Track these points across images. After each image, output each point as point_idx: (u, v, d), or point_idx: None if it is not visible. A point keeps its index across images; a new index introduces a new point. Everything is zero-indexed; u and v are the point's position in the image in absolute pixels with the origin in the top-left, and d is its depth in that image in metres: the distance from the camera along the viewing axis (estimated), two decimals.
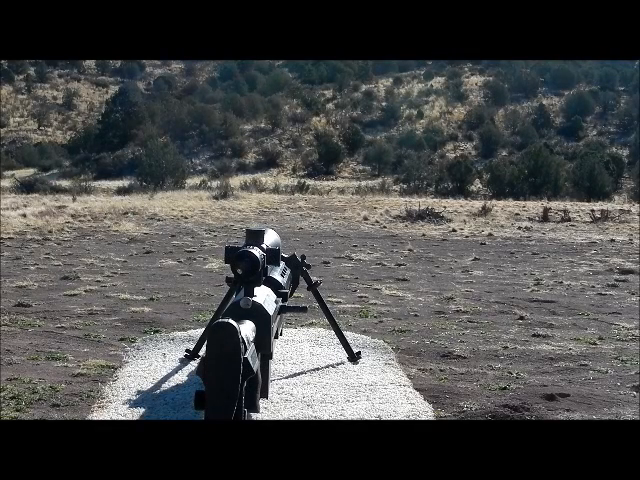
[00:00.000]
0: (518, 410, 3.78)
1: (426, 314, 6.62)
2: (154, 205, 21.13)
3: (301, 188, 35.65)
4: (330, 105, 64.24)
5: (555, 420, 3.65)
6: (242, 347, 2.51)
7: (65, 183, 34.74)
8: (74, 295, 7.21)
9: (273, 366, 4.33)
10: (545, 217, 19.96)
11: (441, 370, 4.69)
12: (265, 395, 3.51)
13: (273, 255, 3.56)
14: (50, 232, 13.82)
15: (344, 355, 4.79)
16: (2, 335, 5.35)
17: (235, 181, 36.00)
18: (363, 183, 42.14)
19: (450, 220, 19.03)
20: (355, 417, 3.68)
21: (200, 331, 5.16)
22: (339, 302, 7.03)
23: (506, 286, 8.49)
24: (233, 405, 2.36)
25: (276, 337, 4.03)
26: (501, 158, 48.29)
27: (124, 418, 3.62)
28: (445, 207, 22.25)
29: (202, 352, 4.48)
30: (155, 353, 4.92)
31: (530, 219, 20.07)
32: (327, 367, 4.64)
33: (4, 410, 3.71)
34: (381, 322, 6.22)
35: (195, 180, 37.91)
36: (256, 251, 3.32)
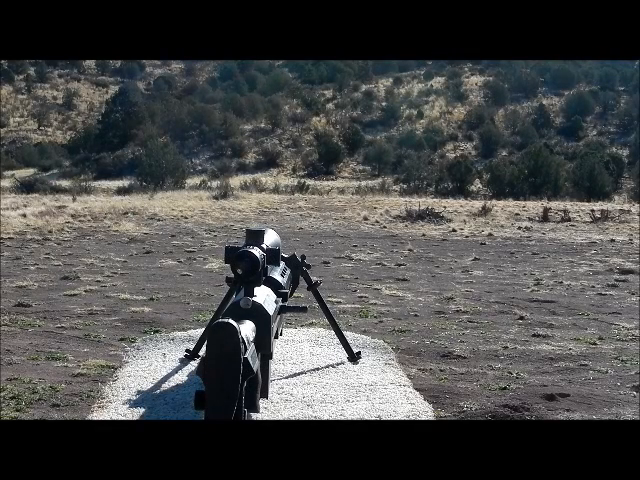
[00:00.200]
0: (518, 410, 3.78)
1: (426, 314, 6.62)
2: (154, 205, 21.13)
3: (301, 188, 35.65)
4: (330, 105, 64.24)
5: (555, 420, 3.65)
6: (242, 347, 2.51)
7: (65, 183, 34.74)
8: (74, 295, 7.21)
9: (273, 366, 4.33)
10: (545, 217, 19.96)
11: (441, 370, 4.68)
12: (265, 395, 3.51)
13: (273, 255, 3.56)
14: (50, 232, 13.82)
15: (344, 355, 4.79)
16: (2, 335, 5.35)
17: (235, 181, 36.00)
18: (363, 183, 42.14)
19: (450, 220, 19.03)
20: (355, 417, 3.68)
21: (200, 331, 5.16)
22: (339, 302, 7.03)
23: (506, 286, 8.48)
24: (233, 405, 2.36)
25: (276, 337, 4.02)
26: (501, 158, 48.28)
27: (124, 418, 3.62)
28: (445, 207, 22.25)
29: (202, 352, 4.48)
30: (155, 353, 4.92)
31: (530, 219, 20.07)
32: (327, 367, 4.64)
33: (4, 410, 3.71)
34: (381, 322, 6.22)
35: (195, 180, 37.91)
36: (256, 251, 3.32)
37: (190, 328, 5.73)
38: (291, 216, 20.24)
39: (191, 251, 11.67)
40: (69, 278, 8.31)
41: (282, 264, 4.35)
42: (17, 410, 3.73)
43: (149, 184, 33.15)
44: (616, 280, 9.03)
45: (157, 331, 5.64)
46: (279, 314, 3.88)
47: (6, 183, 33.29)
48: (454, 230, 16.80)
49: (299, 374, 4.46)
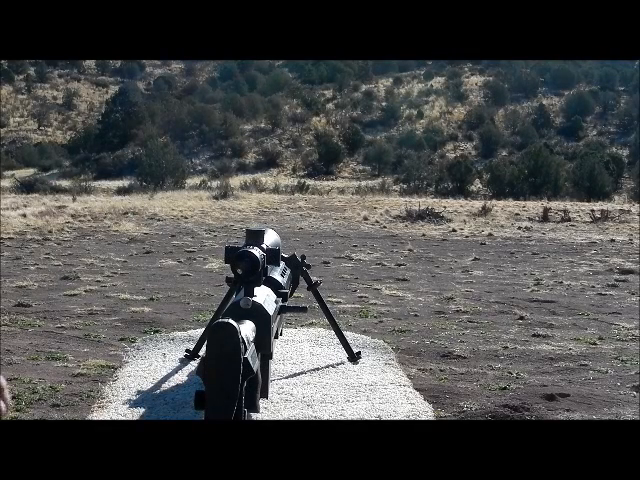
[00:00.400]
0: (518, 410, 3.78)
1: (426, 314, 6.62)
2: (154, 205, 21.13)
3: (301, 188, 35.64)
4: (330, 105, 64.24)
5: (555, 420, 3.65)
6: (242, 347, 2.51)
7: (65, 183, 34.74)
8: (74, 295, 7.20)
9: (273, 366, 4.33)
10: (545, 217, 19.96)
11: (441, 370, 4.68)
12: (265, 395, 3.51)
13: (273, 255, 3.56)
14: (50, 232, 13.82)
15: (344, 355, 4.79)
16: (2, 335, 5.35)
17: (235, 181, 36.00)
18: (363, 183, 42.14)
19: (450, 220, 19.03)
20: (355, 417, 3.68)
21: (200, 331, 5.16)
22: (339, 302, 7.03)
23: (506, 286, 8.48)
24: (233, 405, 2.36)
25: (276, 337, 4.02)
26: (501, 158, 48.28)
27: (124, 418, 3.62)
28: (445, 207, 22.25)
29: (202, 352, 4.48)
30: (155, 353, 4.92)
31: (530, 219, 20.07)
32: (327, 367, 4.64)
33: None
34: (381, 322, 6.22)
35: (195, 180, 37.91)
36: (256, 251, 3.32)
37: (190, 328, 5.73)
38: (291, 216, 20.24)
39: (191, 251, 11.67)
40: (69, 278, 8.31)
41: (282, 264, 4.35)
42: (17, 410, 3.73)
43: (149, 184, 33.14)
44: (616, 280, 9.03)
45: (157, 331, 5.64)
46: (279, 314, 3.88)
47: (6, 183, 33.29)
48: (454, 230, 16.80)
49: (299, 374, 4.46)
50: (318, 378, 4.38)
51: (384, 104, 63.40)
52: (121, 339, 5.37)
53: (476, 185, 42.46)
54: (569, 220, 19.65)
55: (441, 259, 11.31)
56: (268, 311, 3.27)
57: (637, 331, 5.96)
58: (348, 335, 5.07)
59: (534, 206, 24.31)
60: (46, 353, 4.92)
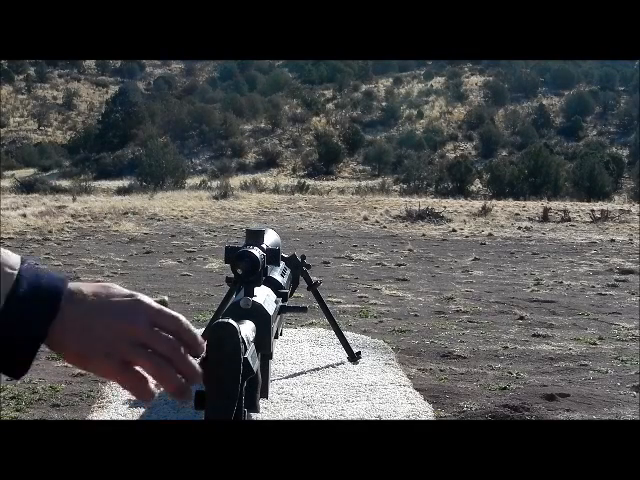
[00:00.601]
0: (518, 410, 3.78)
1: (426, 314, 6.62)
2: (154, 205, 21.13)
3: (301, 188, 35.67)
4: (330, 105, 64.29)
5: (555, 420, 3.65)
6: (242, 347, 2.51)
7: (65, 183, 34.78)
8: None
9: (273, 366, 4.33)
10: (545, 217, 19.97)
11: (441, 370, 4.69)
12: (265, 395, 3.51)
13: (273, 255, 3.55)
14: (50, 232, 13.82)
15: (344, 355, 4.79)
16: None
17: (235, 181, 36.04)
18: (363, 183, 42.17)
19: (450, 220, 19.04)
20: (355, 417, 3.68)
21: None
22: (339, 302, 7.03)
23: (506, 286, 8.49)
24: (233, 405, 2.35)
25: (276, 337, 4.02)
26: (501, 158, 48.32)
27: (124, 418, 3.62)
28: (445, 207, 22.26)
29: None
30: None
31: (530, 219, 20.08)
32: (327, 367, 4.63)
33: (4, 410, 3.71)
34: (381, 322, 6.22)
35: (195, 180, 37.95)
36: (256, 251, 3.31)
37: None
38: (291, 216, 20.25)
39: (191, 251, 11.67)
40: (69, 278, 8.31)
41: (282, 264, 4.35)
42: (17, 410, 3.73)
43: (149, 184, 33.18)
44: (616, 280, 9.03)
45: None
46: (279, 314, 3.88)
47: (6, 183, 33.31)
48: (454, 230, 16.81)
49: (299, 374, 4.46)
50: (318, 378, 4.38)
51: (384, 104, 63.46)
52: None
53: (476, 185, 42.50)
54: (569, 220, 19.66)
55: (441, 259, 11.31)
56: (268, 311, 3.27)
57: (637, 331, 5.97)
58: (348, 335, 5.07)
59: (534, 206, 24.32)
60: (46, 353, 4.92)
